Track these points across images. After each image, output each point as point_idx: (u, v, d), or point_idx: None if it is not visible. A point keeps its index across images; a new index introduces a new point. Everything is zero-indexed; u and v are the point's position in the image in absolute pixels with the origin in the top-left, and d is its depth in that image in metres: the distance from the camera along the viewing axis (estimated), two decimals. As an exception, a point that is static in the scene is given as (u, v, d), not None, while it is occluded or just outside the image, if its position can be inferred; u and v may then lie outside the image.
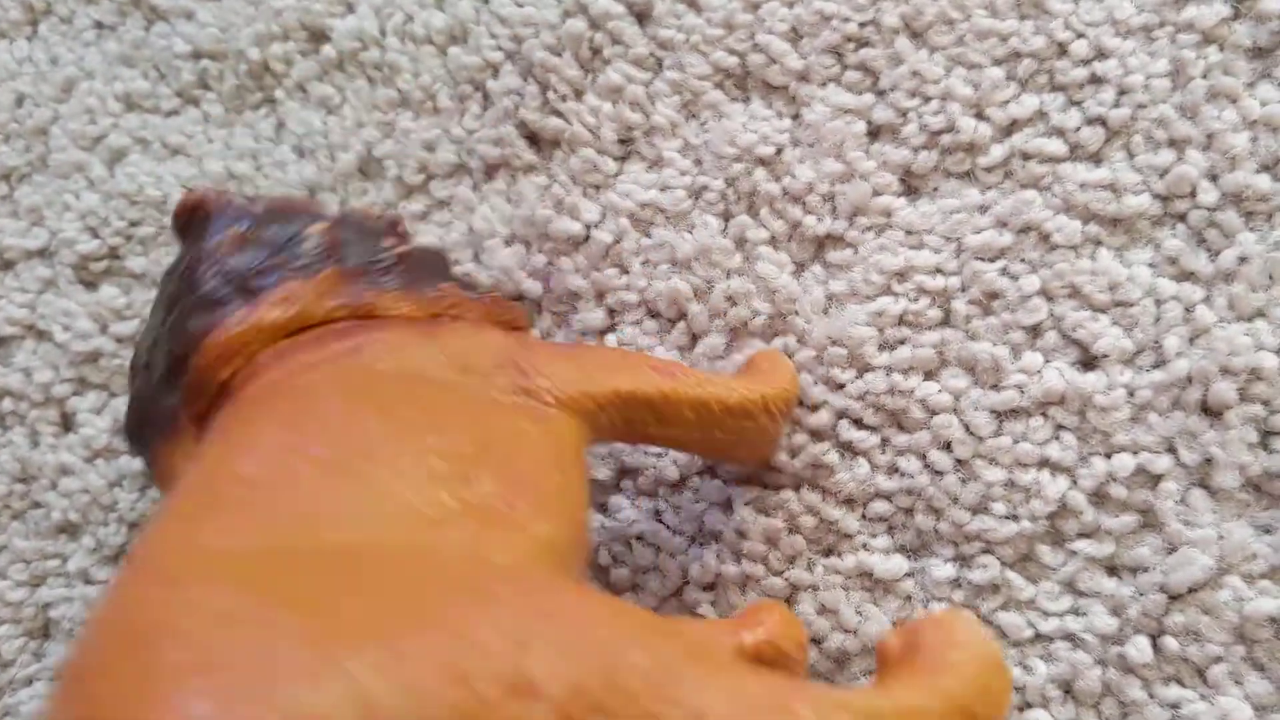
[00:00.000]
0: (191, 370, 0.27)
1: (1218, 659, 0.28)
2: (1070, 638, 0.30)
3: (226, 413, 0.25)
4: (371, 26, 0.38)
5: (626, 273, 0.34)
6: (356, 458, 0.22)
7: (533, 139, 0.36)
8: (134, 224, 0.39)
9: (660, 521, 0.33)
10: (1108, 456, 0.30)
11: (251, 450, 0.22)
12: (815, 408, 0.32)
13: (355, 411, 0.23)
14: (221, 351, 0.26)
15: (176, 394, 0.27)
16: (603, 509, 0.33)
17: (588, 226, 0.35)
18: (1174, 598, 0.29)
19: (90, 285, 0.39)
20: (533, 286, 0.35)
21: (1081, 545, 0.30)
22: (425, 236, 0.36)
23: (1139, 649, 0.29)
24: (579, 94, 0.36)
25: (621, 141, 0.35)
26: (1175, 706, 0.28)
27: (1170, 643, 0.29)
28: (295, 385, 0.25)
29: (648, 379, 0.27)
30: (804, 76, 0.34)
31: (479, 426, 0.24)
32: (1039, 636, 0.30)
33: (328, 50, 0.39)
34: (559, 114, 0.36)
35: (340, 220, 0.29)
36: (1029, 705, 0.29)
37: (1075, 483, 0.30)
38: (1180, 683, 0.29)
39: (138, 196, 0.39)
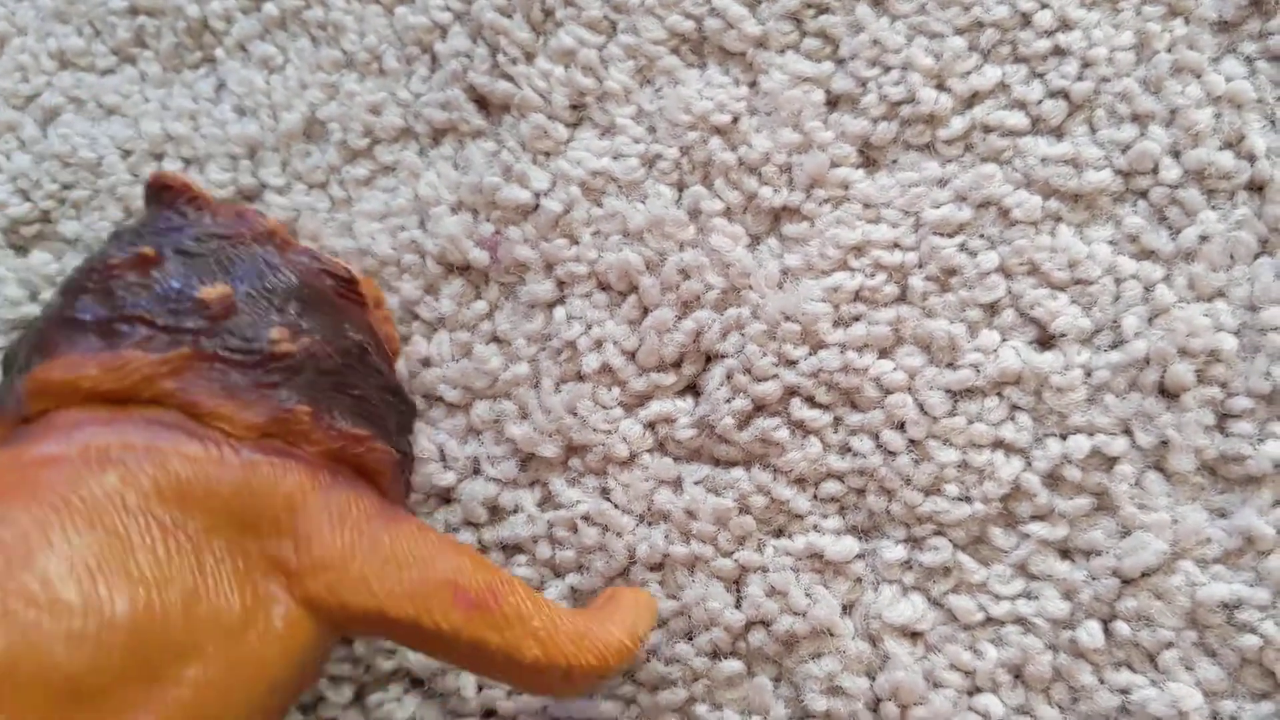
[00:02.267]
0: (17, 386, 0.25)
1: (1169, 644, 0.28)
2: (1021, 621, 0.29)
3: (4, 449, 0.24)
4: (315, -17, 0.37)
5: (576, 243, 0.33)
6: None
7: (481, 103, 0.35)
8: (67, 187, 0.38)
9: (608, 499, 0.32)
10: (1063, 438, 0.29)
11: None
12: (764, 380, 0.31)
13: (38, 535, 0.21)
14: (38, 389, 0.25)
15: (10, 391, 0.26)
16: (547, 495, 0.32)
17: (537, 195, 0.33)
18: (1126, 582, 0.28)
19: (20, 250, 0.37)
20: (480, 256, 0.33)
21: (1034, 528, 0.29)
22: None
23: (1090, 634, 0.28)
24: (530, 57, 0.34)
25: (573, 107, 0.34)
26: (1125, 692, 0.28)
27: (1122, 627, 0.28)
28: (38, 476, 0.23)
29: (439, 609, 0.25)
30: (762, 43, 0.33)
31: (185, 620, 0.22)
32: (990, 620, 0.29)
33: (269, 8, 0.37)
34: (509, 78, 0.34)
35: (255, 288, 0.27)
36: (979, 690, 0.29)
37: (1029, 464, 0.29)
38: (1131, 668, 0.28)
39: (71, 158, 0.38)
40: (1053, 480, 0.29)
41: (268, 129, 0.36)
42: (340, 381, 0.27)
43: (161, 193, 0.29)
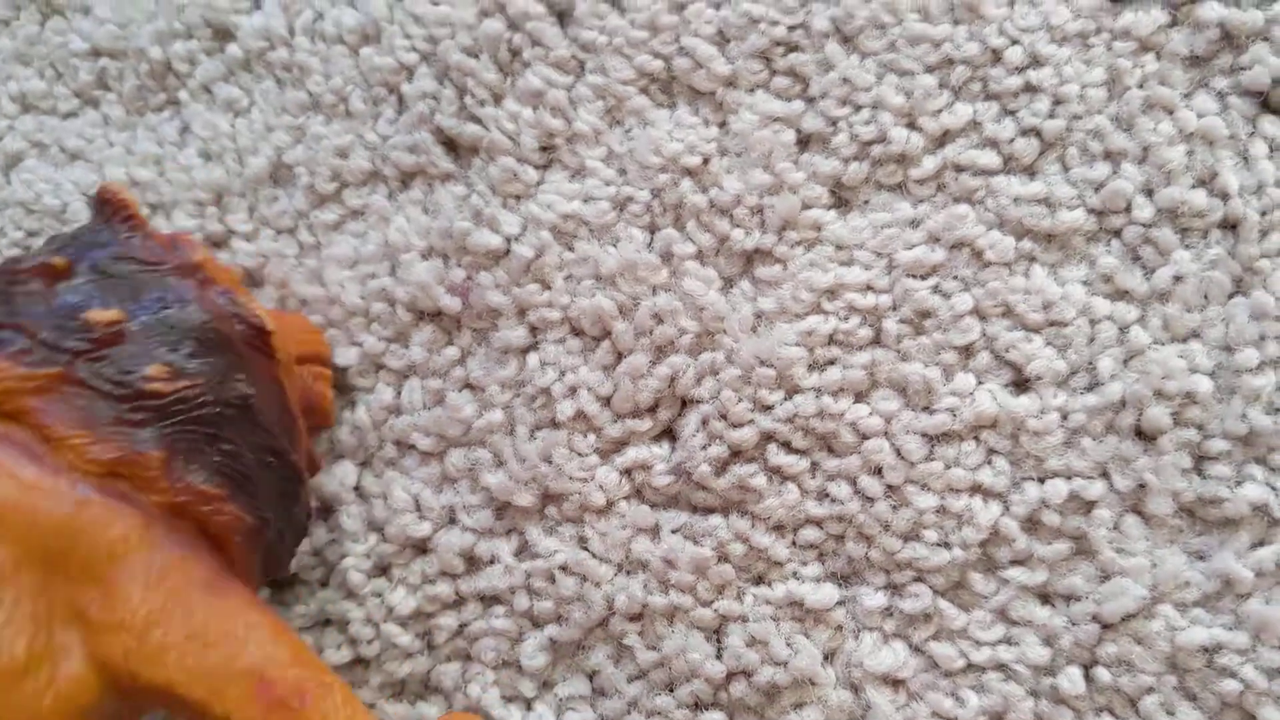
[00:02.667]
0: None
1: (1150, 689, 0.28)
2: (1002, 668, 0.29)
3: None
4: (279, 24, 0.36)
5: (549, 288, 0.33)
6: None
7: (450, 145, 0.35)
8: (31, 234, 0.37)
9: (585, 549, 0.31)
10: (1041, 482, 0.29)
11: None
12: (740, 425, 0.31)
13: None
14: None
15: None
16: (523, 544, 0.32)
17: (508, 239, 0.33)
18: (1107, 627, 0.28)
19: (-16, 299, 0.37)
20: (451, 302, 0.33)
21: (1014, 573, 0.29)
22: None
23: (1071, 680, 0.28)
24: (498, 98, 0.34)
25: (543, 149, 0.34)
26: (1107, 738, 0.28)
27: (1102, 673, 0.28)
28: None
29: (234, 698, 0.23)
30: (731, 82, 0.33)
31: None
32: (971, 666, 0.29)
33: (233, 49, 0.37)
34: (477, 120, 0.34)
35: (153, 320, 0.26)
36: (960, 738, 0.29)
37: (1008, 509, 0.29)
38: (1113, 714, 0.28)
39: (35, 205, 0.37)
40: (1031, 525, 0.29)
41: (234, 174, 0.36)
42: (212, 434, 0.26)
43: (103, 205, 0.28)
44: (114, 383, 0.24)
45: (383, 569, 0.32)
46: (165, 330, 0.26)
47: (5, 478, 0.23)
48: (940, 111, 0.31)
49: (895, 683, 0.29)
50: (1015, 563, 0.29)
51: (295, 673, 0.24)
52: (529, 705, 0.31)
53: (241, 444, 0.26)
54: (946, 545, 0.29)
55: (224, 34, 0.37)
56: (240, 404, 0.26)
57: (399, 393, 0.33)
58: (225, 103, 0.37)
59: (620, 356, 0.32)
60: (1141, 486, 0.29)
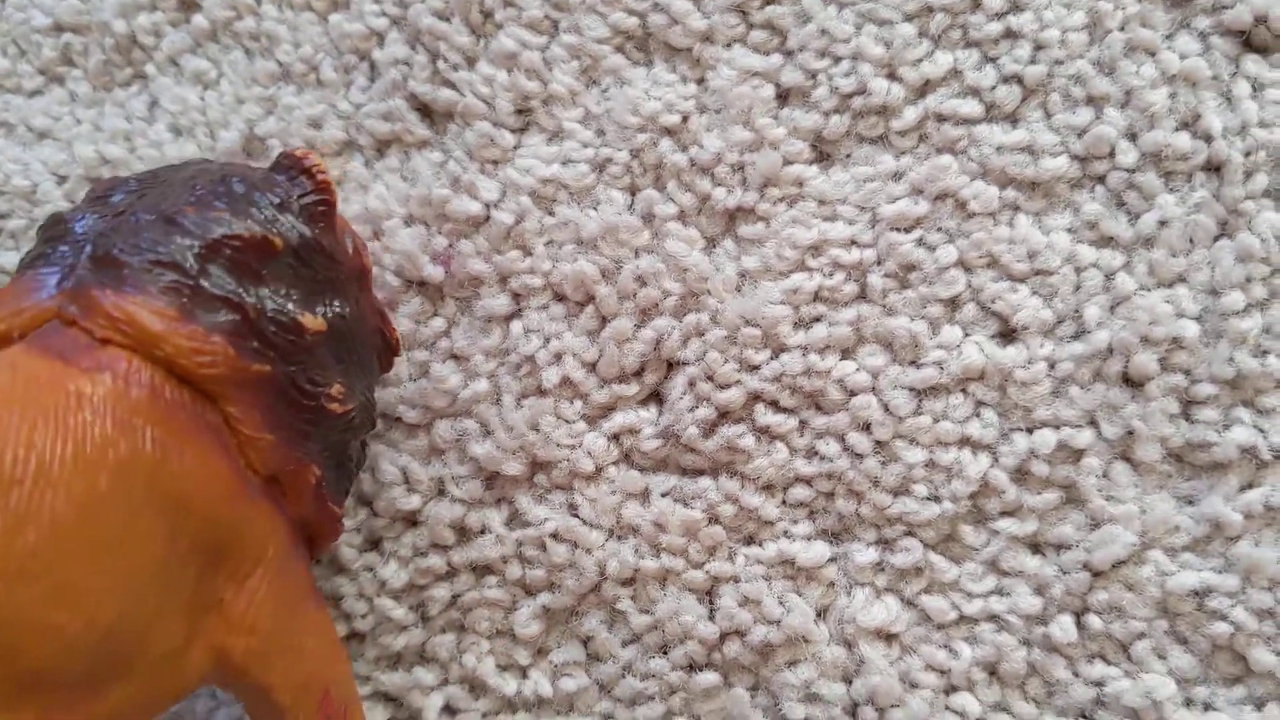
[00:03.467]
0: (89, 292, 0.23)
1: (1141, 635, 0.28)
2: (995, 619, 0.29)
3: None
4: (245, -7, 0.35)
5: (530, 254, 0.32)
6: None
7: (425, 112, 0.34)
8: (3, 216, 0.37)
9: (576, 516, 0.31)
10: (1029, 432, 0.29)
11: None
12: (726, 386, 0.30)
13: None
14: (106, 317, 0.22)
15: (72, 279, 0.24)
16: (514, 514, 0.32)
17: (487, 206, 0.33)
18: (1097, 574, 0.28)
19: (-42, 284, 0.36)
20: (435, 271, 0.33)
21: (1004, 524, 0.29)
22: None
23: (1063, 628, 0.28)
24: (471, 62, 0.33)
25: (519, 112, 0.33)
26: (1100, 684, 0.28)
27: (1094, 620, 0.28)
28: (71, 420, 0.21)
29: (305, 708, 0.24)
30: (708, 37, 0.32)
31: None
32: (963, 618, 0.29)
33: (199, 20, 0.36)
34: (451, 84, 0.33)
35: (338, 329, 0.25)
36: (955, 689, 0.29)
37: (997, 460, 0.29)
38: (1105, 660, 0.28)
39: (4, 187, 0.36)
40: (1020, 475, 0.29)
41: (205, 148, 0.35)
42: (347, 455, 0.27)
43: (299, 175, 0.26)
44: (301, 391, 0.24)
45: (374, 543, 0.32)
46: (343, 345, 0.26)
47: (200, 462, 0.22)
48: (920, 61, 0.31)
49: (888, 637, 0.29)
50: (1005, 514, 0.29)
51: (345, 692, 0.26)
52: (524, 673, 0.31)
53: (355, 462, 0.28)
54: (936, 499, 0.29)
55: (189, 4, 0.36)
56: (371, 425, 0.27)
57: (383, 365, 0.33)
58: (193, 75, 0.36)
59: (604, 321, 0.32)
60: (1130, 433, 0.28)
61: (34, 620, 0.19)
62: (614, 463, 0.31)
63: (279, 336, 0.24)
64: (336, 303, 0.25)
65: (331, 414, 0.25)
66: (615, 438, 0.31)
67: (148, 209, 0.24)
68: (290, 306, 0.24)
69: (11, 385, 0.20)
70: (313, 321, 0.24)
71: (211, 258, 0.23)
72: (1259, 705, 0.27)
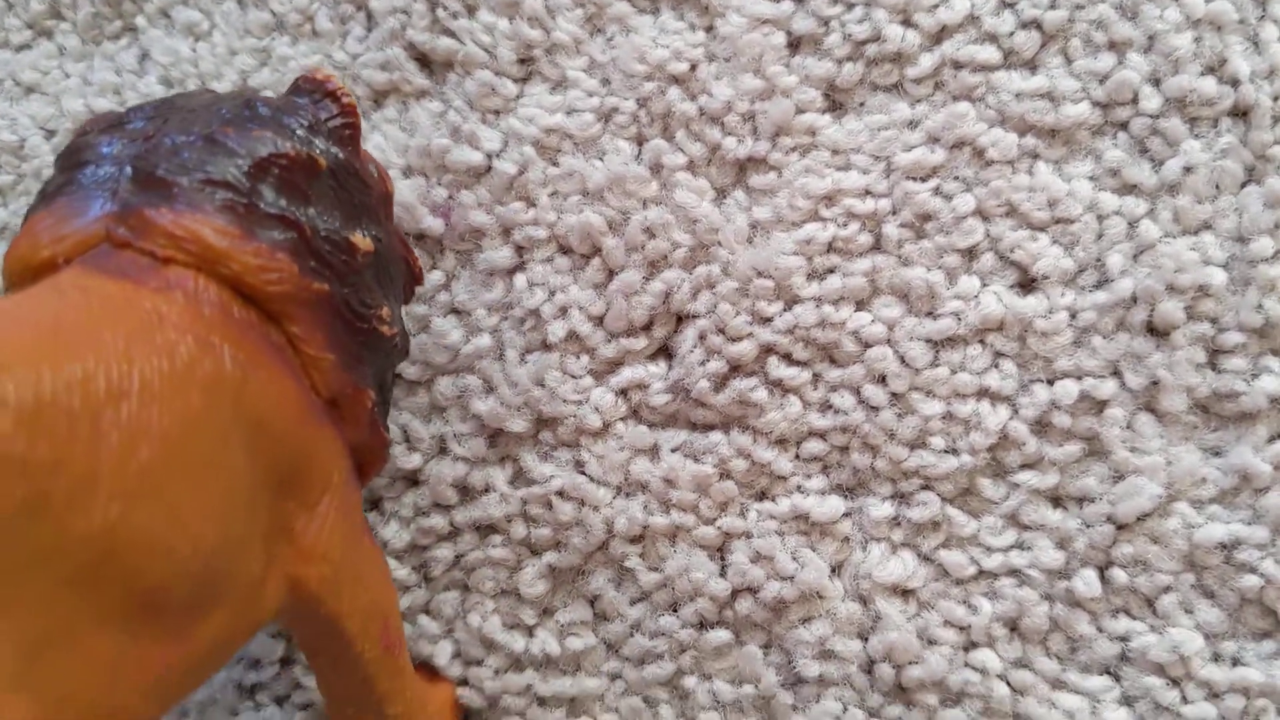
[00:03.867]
0: (151, 212, 0.22)
1: (1167, 589, 0.27)
2: (1015, 573, 0.28)
3: None
4: (239, -59, 0.34)
5: (533, 206, 0.31)
6: None
7: (423, 61, 0.33)
8: (-12, 171, 0.36)
9: (583, 473, 0.30)
10: (1050, 383, 0.28)
11: None
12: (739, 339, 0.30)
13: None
14: (167, 235, 0.21)
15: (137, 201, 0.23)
16: (518, 471, 0.31)
17: (489, 156, 0.32)
18: (1121, 528, 0.28)
19: (-58, 241, 0.35)
20: (435, 224, 0.32)
21: (1024, 477, 0.28)
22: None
23: (1086, 582, 0.27)
24: (471, 10, 0.32)
25: (521, 61, 0.32)
26: (1125, 639, 0.27)
27: (1118, 574, 0.27)
28: (169, 341, 0.20)
29: (369, 637, 0.24)
30: (718, -16, 0.31)
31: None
32: (983, 573, 0.28)
33: (191, -31, 0.35)
34: (450, 33, 0.32)
35: (380, 250, 0.25)
36: (975, 645, 0.28)
37: (1016, 412, 0.28)
38: (1129, 614, 0.28)
39: (-11, 141, 0.35)
40: (1041, 427, 0.28)
41: (198, 100, 0.34)
42: (388, 382, 0.26)
43: (325, 98, 0.25)
44: (355, 313, 0.24)
45: (374, 503, 0.31)
46: (383, 269, 0.25)
47: (273, 383, 0.22)
48: (936, 6, 0.30)
49: (905, 593, 0.29)
50: (1025, 466, 0.28)
51: (399, 624, 0.26)
52: (531, 632, 0.30)
53: (393, 382, 0.27)
54: (954, 452, 0.29)
55: (181, -47, 0.35)
56: (406, 354, 0.27)
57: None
58: (185, 27, 0.35)
59: (611, 274, 0.31)
60: (1154, 384, 0.28)
61: (151, 540, 0.18)
62: (622, 418, 0.31)
63: (334, 256, 0.23)
64: (373, 227, 0.25)
65: (382, 336, 0.24)
66: (623, 393, 0.30)
67: (180, 130, 0.23)
68: (339, 226, 0.23)
69: (89, 304, 0.19)
70: (363, 241, 0.24)
71: (261, 177, 0.22)
72: (1289, 659, 0.26)
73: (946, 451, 0.29)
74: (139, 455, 0.18)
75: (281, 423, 0.21)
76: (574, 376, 0.31)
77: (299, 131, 0.23)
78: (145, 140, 0.23)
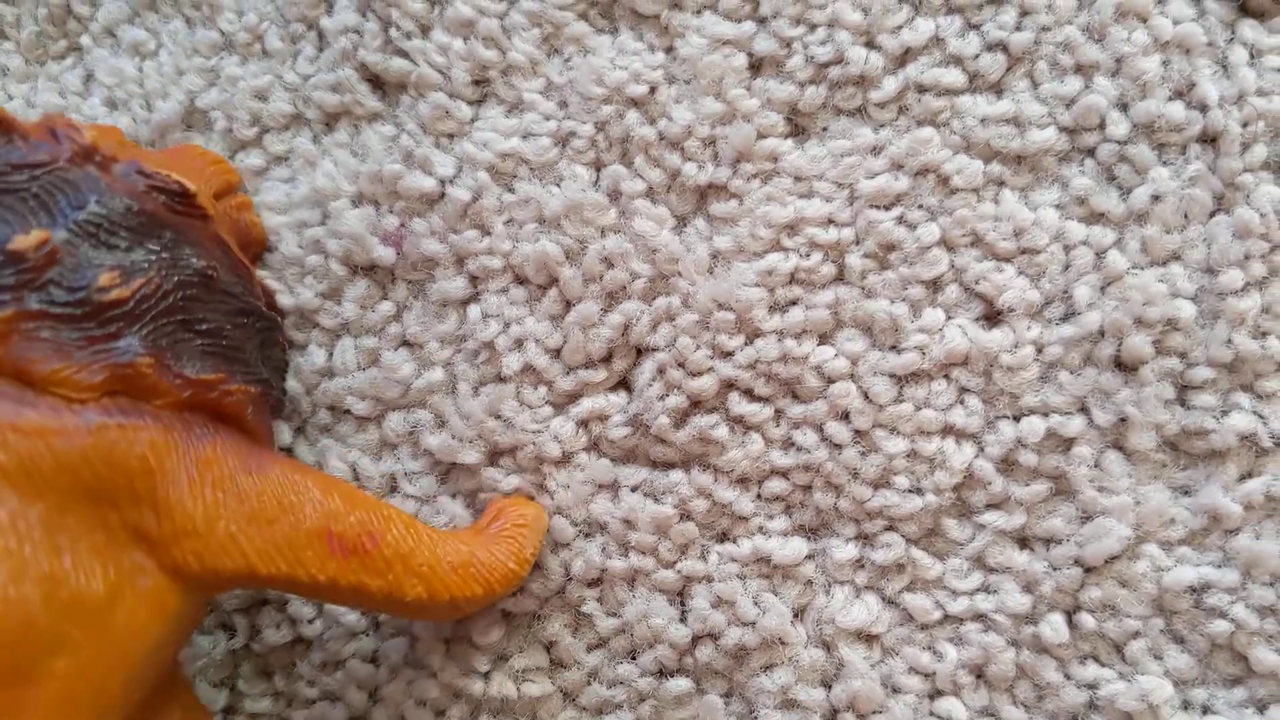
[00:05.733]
0: None
1: (1136, 634, 0.26)
2: (981, 618, 0.27)
3: None
4: (184, -42, 0.33)
5: (488, 234, 0.30)
6: None
7: (376, 83, 0.32)
8: (-74, 196, 0.34)
9: (549, 497, 0.29)
10: (1016, 420, 0.28)
11: None
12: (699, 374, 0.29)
13: None
14: None
15: None
16: (472, 502, 0.30)
17: (442, 182, 0.31)
18: (1089, 570, 0.27)
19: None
20: (385, 253, 0.31)
21: (990, 518, 0.27)
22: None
23: (1054, 627, 0.27)
24: (425, 30, 0.31)
25: (475, 83, 0.31)
26: (1093, 687, 0.26)
27: (1086, 619, 0.27)
28: None
29: (313, 561, 0.24)
30: (676, 3, 0.30)
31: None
32: (948, 618, 0.28)
33: (135, -13, 0.34)
34: (404, 54, 0.31)
35: (78, 225, 0.23)
36: (940, 693, 0.27)
37: (982, 450, 0.28)
38: (1098, 660, 0.27)
39: (-72, 164, 0.34)
40: (1007, 466, 0.28)
41: (141, 121, 0.33)
42: (186, 319, 0.25)
43: None
44: (70, 304, 0.23)
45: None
46: (93, 232, 0.24)
47: (12, 433, 0.21)
48: (900, 28, 0.29)
49: (869, 638, 0.28)
50: (991, 506, 0.28)
51: (357, 516, 0.25)
52: (486, 677, 0.29)
53: (217, 317, 0.26)
54: (918, 491, 0.28)
55: (124, -30, 0.34)
56: (201, 279, 0.25)
57: (331, 354, 0.31)
58: (131, 46, 0.34)
59: (569, 305, 0.30)
60: (1122, 420, 0.27)
61: None
62: (583, 449, 0.30)
63: (7, 275, 0.22)
64: (64, 201, 0.24)
65: (121, 301, 0.23)
66: (584, 424, 0.30)
67: None
68: (3, 241, 0.22)
69: None
70: (25, 241, 0.22)
71: None
72: (1261, 707, 0.26)
73: (911, 491, 0.28)
74: None
75: (40, 464, 0.21)
76: (531, 407, 0.30)
77: None
78: None
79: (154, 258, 0.24)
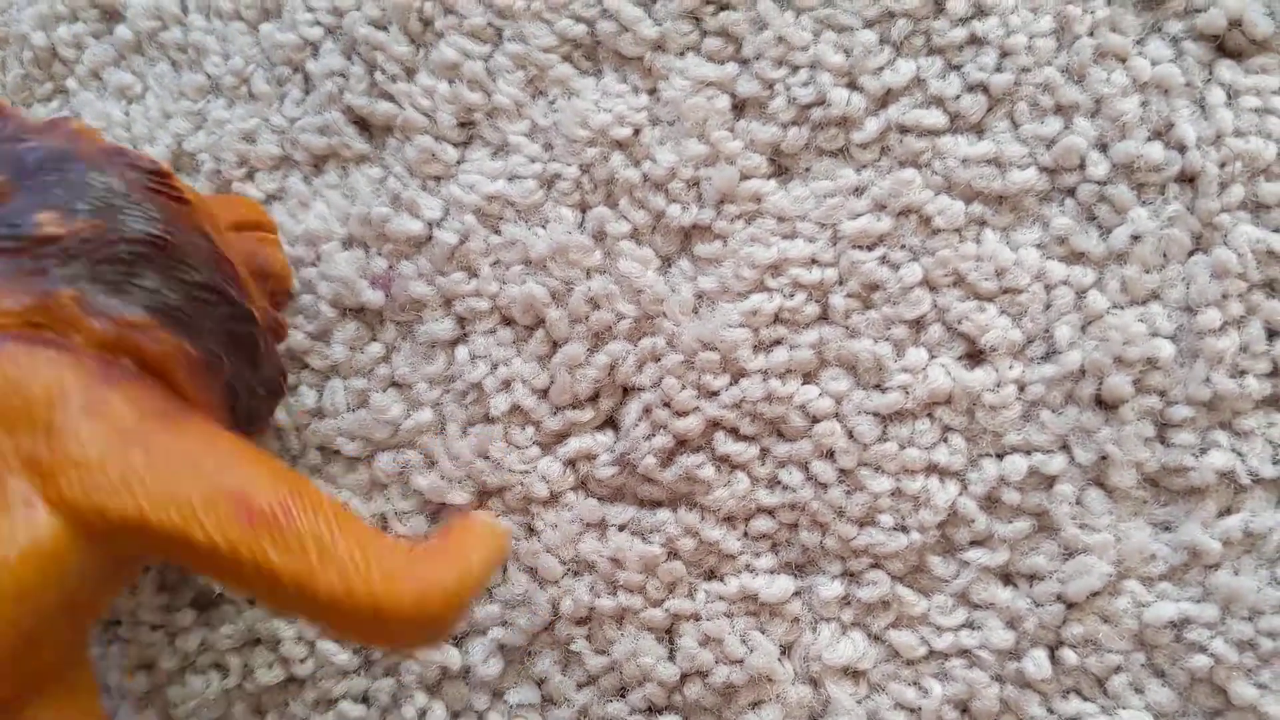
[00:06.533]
0: None
1: (1118, 669, 0.27)
2: (966, 654, 0.28)
3: None
4: (171, 2, 0.33)
5: (475, 276, 0.31)
6: None
7: (363, 125, 0.32)
8: (-83, 239, 0.35)
9: (536, 538, 0.30)
10: (999, 458, 0.28)
11: None
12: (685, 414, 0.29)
13: None
14: None
15: None
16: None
17: (429, 224, 0.31)
18: (1072, 606, 0.27)
19: None
20: (374, 296, 0.31)
21: (974, 555, 0.28)
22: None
23: (1037, 663, 0.27)
24: (410, 73, 0.32)
25: (461, 125, 0.31)
26: (1076, 721, 0.27)
27: (1069, 654, 0.27)
28: None
29: (214, 521, 0.22)
30: (660, 45, 0.31)
31: None
32: (933, 654, 0.28)
33: (122, 31, 0.34)
34: (389, 96, 0.32)
35: (35, 178, 0.24)
36: (926, 728, 0.28)
37: (966, 488, 0.28)
38: (1080, 695, 0.27)
39: (-82, 207, 0.34)
40: (990, 503, 0.28)
41: (131, 166, 0.33)
42: (129, 272, 0.24)
43: None
44: (7, 237, 0.23)
45: (316, 582, 0.31)
46: (49, 184, 0.24)
47: None
48: (882, 69, 0.29)
49: (855, 674, 0.28)
50: (975, 544, 0.28)
51: (282, 489, 0.22)
52: (480, 717, 0.30)
53: (168, 282, 0.25)
54: (903, 529, 0.28)
55: (112, 14, 0.34)
56: (154, 243, 0.25)
57: (321, 395, 0.31)
58: (117, 89, 0.34)
59: (555, 346, 0.30)
60: (1103, 458, 0.27)
61: None
62: (571, 488, 0.30)
63: None
64: (30, 158, 0.24)
65: (56, 238, 0.24)
66: (571, 463, 0.30)
67: None
68: None
69: None
70: None
71: None
72: (1241, 743, 0.26)
73: (896, 529, 0.28)
74: None
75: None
76: (519, 447, 0.30)
77: None
78: None
79: (101, 210, 0.24)
